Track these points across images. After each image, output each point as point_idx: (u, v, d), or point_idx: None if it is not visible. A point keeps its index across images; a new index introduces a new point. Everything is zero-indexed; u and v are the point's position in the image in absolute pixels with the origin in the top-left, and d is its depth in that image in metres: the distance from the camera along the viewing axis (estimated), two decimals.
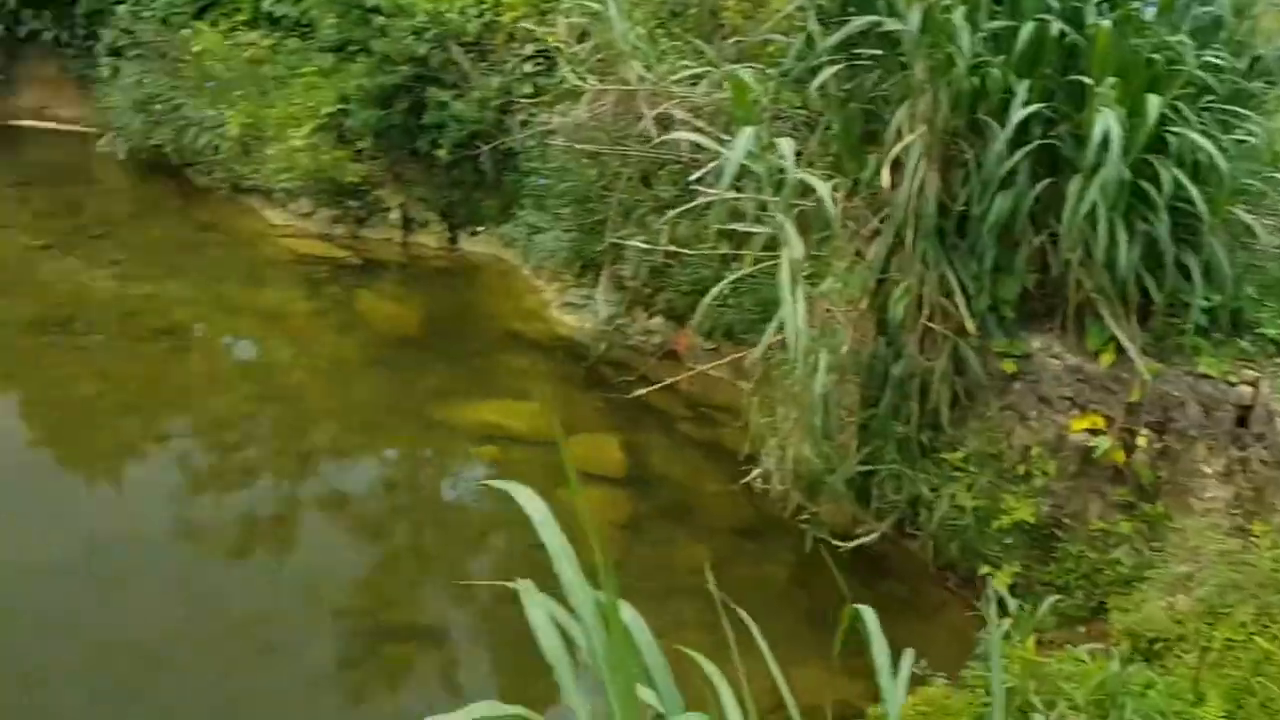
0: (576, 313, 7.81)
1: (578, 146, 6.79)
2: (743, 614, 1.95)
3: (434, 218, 9.34)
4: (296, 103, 9.13)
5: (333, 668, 4.35)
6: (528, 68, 8.07)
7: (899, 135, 4.57)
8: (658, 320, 7.38)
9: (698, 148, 6.34)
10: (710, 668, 1.75)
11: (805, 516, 5.24)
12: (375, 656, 4.46)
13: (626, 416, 6.60)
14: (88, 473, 5.56)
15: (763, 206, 4.64)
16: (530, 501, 1.60)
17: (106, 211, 9.55)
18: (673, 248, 6.06)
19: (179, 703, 4.04)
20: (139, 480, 5.52)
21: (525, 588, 1.59)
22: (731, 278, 4.71)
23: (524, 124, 7.97)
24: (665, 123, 5.89)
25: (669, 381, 6.84)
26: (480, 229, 9.21)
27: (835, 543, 5.08)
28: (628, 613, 1.51)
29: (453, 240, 9.36)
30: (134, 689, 4.08)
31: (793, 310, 3.71)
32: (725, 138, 4.66)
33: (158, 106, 9.89)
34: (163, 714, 3.97)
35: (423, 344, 7.49)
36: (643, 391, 6.76)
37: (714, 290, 4.58)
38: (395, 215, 9.33)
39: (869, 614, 1.83)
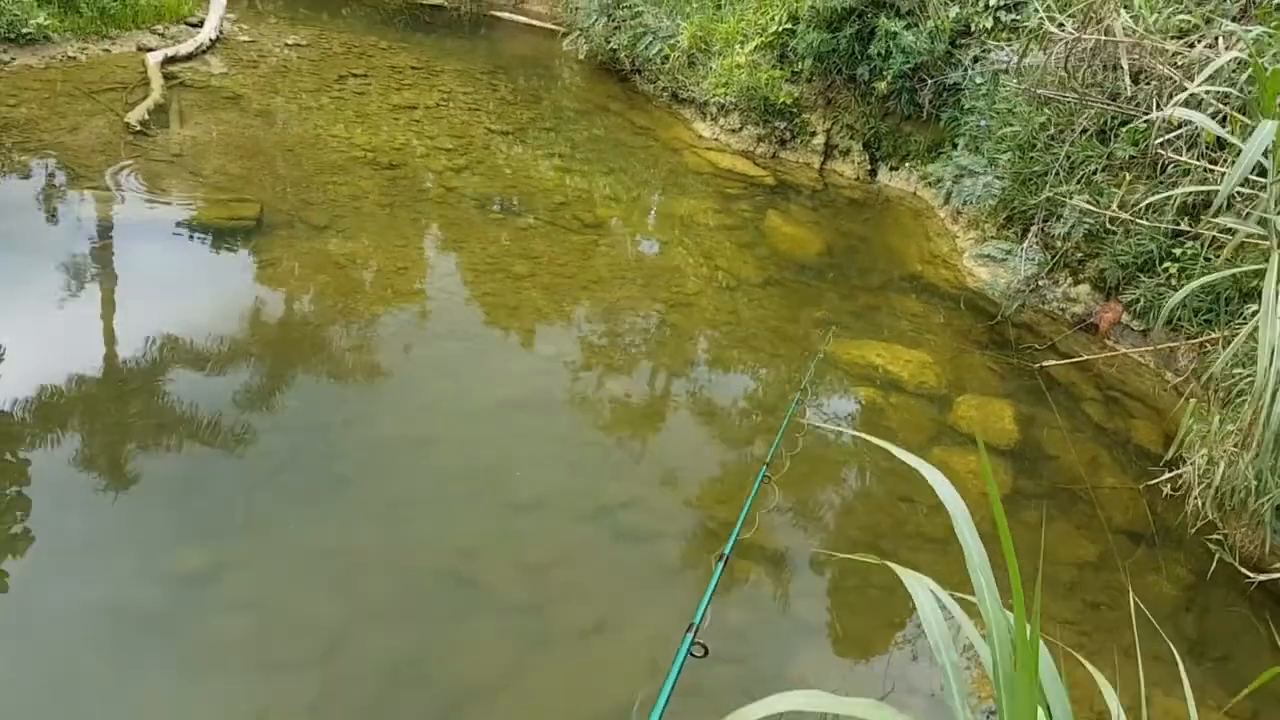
0: (991, 266, 7.34)
1: (1033, 90, 6.23)
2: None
3: (857, 147, 9.17)
4: (747, 19, 9.29)
5: (680, 571, 4.46)
6: (993, 0, 7.53)
7: None
8: (1083, 289, 6.74)
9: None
10: (1110, 694, 1.54)
11: (1215, 536, 4.67)
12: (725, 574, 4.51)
13: (1024, 385, 6.16)
14: (505, 339, 6.14)
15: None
16: (951, 499, 1.47)
17: (559, 106, 10.39)
18: (1120, 213, 5.42)
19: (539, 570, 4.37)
20: (542, 353, 6.01)
21: (912, 578, 1.47)
22: (1205, 279, 4.08)
23: (976, 60, 7.48)
24: (1140, 78, 5.21)
25: (1084, 359, 6.26)
26: (902, 164, 8.91)
27: (1243, 571, 4.65)
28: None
29: (871, 172, 9.16)
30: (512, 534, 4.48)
31: (1273, 322, 3.16)
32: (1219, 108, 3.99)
33: (621, 12, 10.53)
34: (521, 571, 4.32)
35: (820, 272, 7.42)
36: (1051, 363, 6.26)
37: (1191, 286, 3.98)
38: (819, 140, 9.28)
39: None
